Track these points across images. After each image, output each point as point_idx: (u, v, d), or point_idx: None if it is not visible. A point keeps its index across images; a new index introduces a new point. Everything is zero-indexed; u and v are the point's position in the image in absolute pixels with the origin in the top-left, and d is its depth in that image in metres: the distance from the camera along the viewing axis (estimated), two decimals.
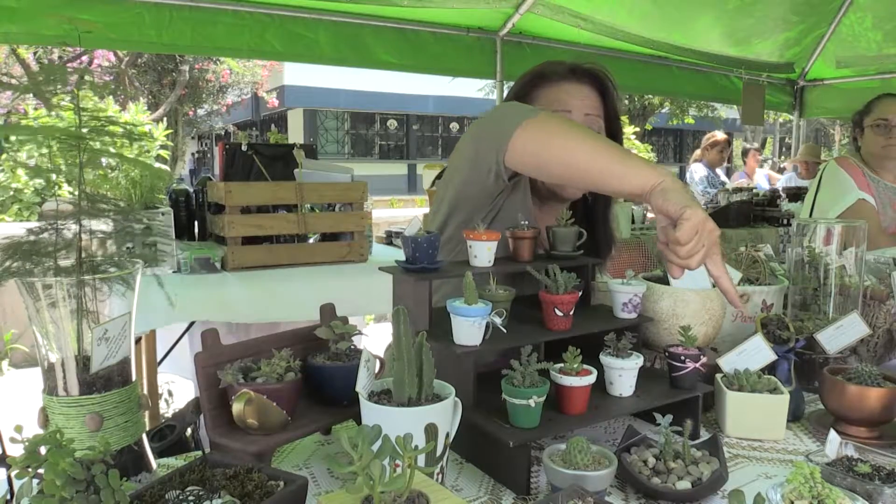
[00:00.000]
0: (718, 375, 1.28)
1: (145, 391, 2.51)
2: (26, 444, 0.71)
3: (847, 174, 2.78)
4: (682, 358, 1.18)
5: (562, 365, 1.07)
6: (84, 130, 0.84)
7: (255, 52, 4.09)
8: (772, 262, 1.63)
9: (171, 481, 0.82)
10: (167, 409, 3.47)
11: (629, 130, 9.97)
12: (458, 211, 1.46)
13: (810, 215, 2.87)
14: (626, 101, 17.47)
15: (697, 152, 6.67)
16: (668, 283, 1.34)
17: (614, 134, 1.60)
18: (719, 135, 6.53)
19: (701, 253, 1.08)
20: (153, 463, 0.94)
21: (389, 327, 0.96)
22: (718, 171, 6.54)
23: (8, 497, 0.85)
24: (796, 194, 5.08)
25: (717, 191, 5.57)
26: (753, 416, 1.21)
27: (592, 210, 1.67)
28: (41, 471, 0.70)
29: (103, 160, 0.87)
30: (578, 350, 1.08)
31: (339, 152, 23.01)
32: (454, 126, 26.39)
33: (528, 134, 1.24)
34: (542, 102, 1.53)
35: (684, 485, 0.96)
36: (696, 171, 6.43)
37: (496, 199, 1.43)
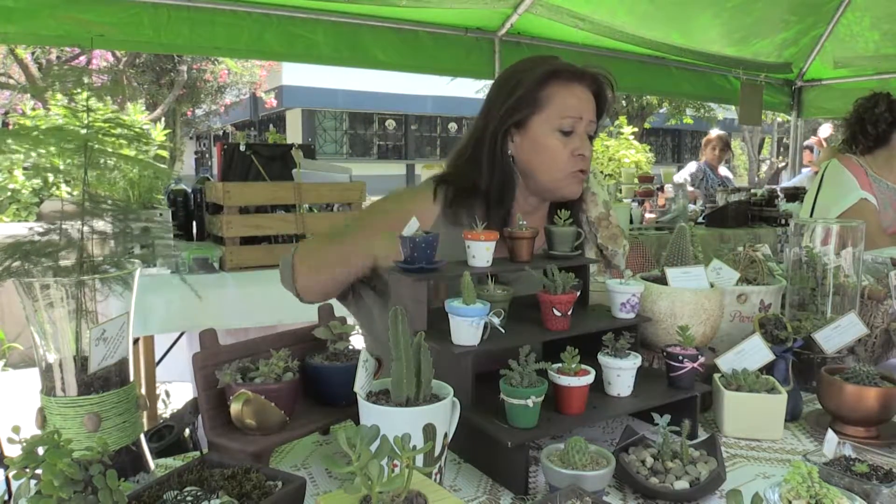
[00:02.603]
0: (716, 375, 1.28)
1: (143, 392, 2.51)
2: (24, 444, 0.71)
3: (850, 173, 2.76)
4: (680, 358, 1.18)
5: (560, 365, 1.07)
6: (90, 131, 0.84)
7: (254, 52, 4.09)
8: (770, 262, 1.63)
9: (169, 482, 0.82)
10: (165, 410, 3.47)
11: (627, 131, 9.98)
12: None
13: (811, 214, 2.85)
14: (624, 101, 17.49)
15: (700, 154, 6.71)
16: (666, 284, 1.34)
17: (592, 136, 1.57)
18: (712, 133, 6.53)
19: None
20: (151, 463, 0.94)
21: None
22: (721, 169, 6.53)
23: (6, 498, 0.85)
24: (794, 194, 5.08)
25: (715, 191, 5.57)
26: (751, 415, 1.21)
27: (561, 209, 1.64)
28: (39, 471, 0.70)
29: (104, 160, 0.87)
30: (576, 350, 1.08)
31: (337, 152, 23.00)
32: (452, 126, 26.38)
33: (303, 277, 1.49)
34: (557, 104, 1.48)
35: (682, 485, 0.96)
36: (687, 168, 6.47)
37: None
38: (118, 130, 0.88)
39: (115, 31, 3.25)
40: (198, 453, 0.89)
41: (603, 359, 1.15)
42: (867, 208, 2.66)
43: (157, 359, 2.88)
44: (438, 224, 1.49)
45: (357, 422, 0.97)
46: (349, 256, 1.45)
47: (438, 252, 1.22)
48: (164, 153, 7.50)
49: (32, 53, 10.97)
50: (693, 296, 1.31)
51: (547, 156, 1.49)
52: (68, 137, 0.82)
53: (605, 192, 3.34)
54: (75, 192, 0.84)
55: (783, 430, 1.22)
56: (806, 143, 6.80)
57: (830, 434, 1.07)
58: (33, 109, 6.78)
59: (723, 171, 6.58)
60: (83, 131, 0.84)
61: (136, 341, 2.67)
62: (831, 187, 2.80)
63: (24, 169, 5.79)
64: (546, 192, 1.56)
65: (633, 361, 1.14)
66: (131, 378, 0.91)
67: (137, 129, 0.91)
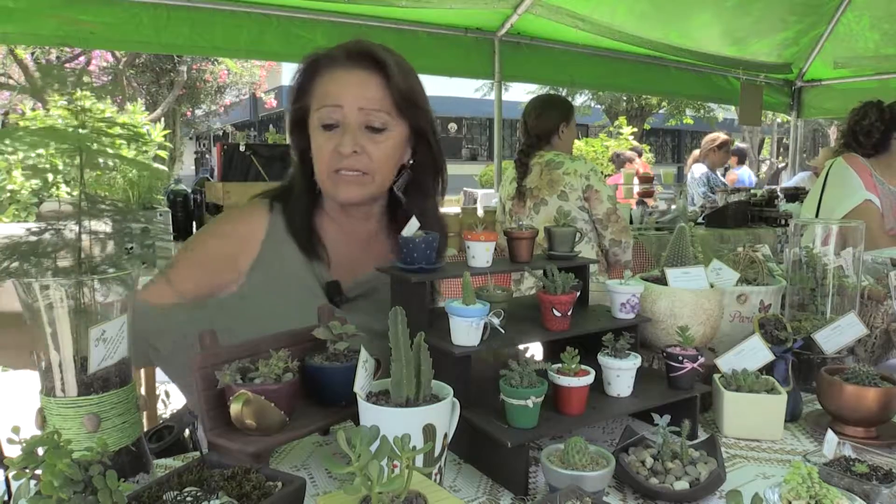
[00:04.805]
0: (716, 375, 1.28)
1: (143, 392, 2.51)
2: (24, 445, 0.71)
3: (855, 173, 2.76)
4: (680, 358, 1.18)
5: (560, 365, 1.07)
6: (85, 131, 0.84)
7: (253, 53, 4.10)
8: (770, 263, 1.63)
9: (168, 482, 0.82)
10: (165, 410, 3.46)
11: (627, 131, 9.99)
12: None
13: (817, 214, 2.85)
14: (624, 101, 17.50)
15: (696, 153, 6.64)
16: (665, 284, 1.34)
17: (422, 130, 1.37)
18: (723, 135, 6.50)
19: None
20: (151, 464, 0.94)
21: None
22: (719, 171, 6.52)
23: (6, 498, 0.84)
24: (794, 195, 5.09)
25: (715, 196, 5.57)
26: (751, 416, 1.21)
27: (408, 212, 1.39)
28: (39, 472, 0.70)
29: (101, 160, 0.87)
30: (576, 350, 1.08)
31: None
32: (452, 126, 26.38)
33: None
34: (318, 97, 1.32)
35: (682, 485, 0.96)
36: (697, 171, 6.40)
37: None
38: (116, 130, 0.88)
39: (115, 31, 3.26)
40: (197, 454, 0.89)
41: (603, 359, 1.15)
42: (871, 209, 2.66)
43: None
44: (269, 239, 1.37)
45: (357, 422, 0.97)
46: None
47: (271, 276, 1.22)
48: (164, 154, 7.50)
49: (32, 54, 10.98)
50: (693, 296, 1.31)
51: (316, 155, 1.33)
52: (63, 138, 0.82)
53: (607, 188, 3.35)
54: (75, 193, 0.84)
55: (783, 430, 1.22)
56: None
57: (830, 434, 1.07)
58: (33, 110, 6.78)
59: (739, 171, 6.57)
60: (79, 131, 0.84)
61: None
62: (836, 188, 2.80)
63: (24, 169, 5.79)
64: (330, 197, 1.38)
65: (633, 362, 1.14)
66: (131, 378, 0.91)
67: (134, 129, 0.91)
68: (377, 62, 1.30)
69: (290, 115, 1.40)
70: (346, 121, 1.29)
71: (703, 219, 4.84)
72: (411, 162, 1.41)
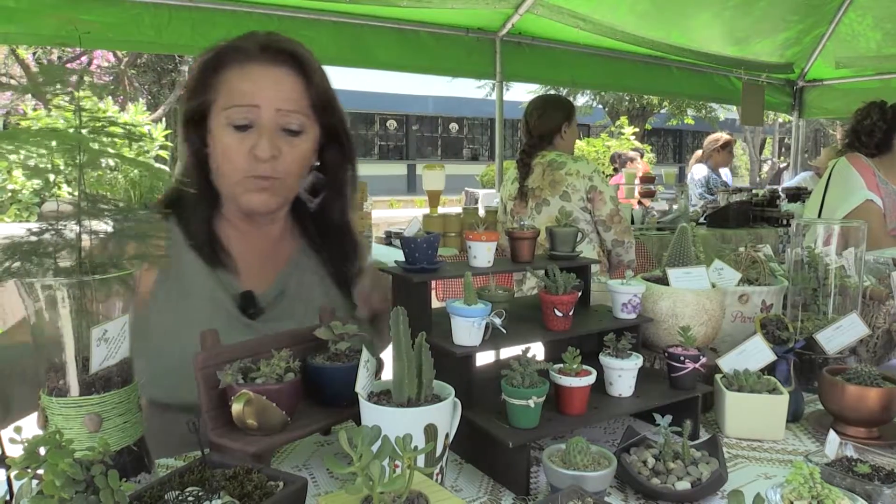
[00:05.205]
0: (718, 376, 1.28)
1: None
2: (26, 444, 0.71)
3: (857, 173, 2.77)
4: (682, 358, 1.18)
5: (561, 365, 1.07)
6: (84, 131, 0.84)
7: None
8: (771, 263, 1.63)
9: (170, 482, 0.82)
10: None
11: (628, 131, 9.99)
12: None
13: (820, 214, 2.86)
14: (626, 101, 17.49)
15: (699, 153, 6.62)
16: (667, 284, 1.34)
17: (334, 130, 1.31)
18: (726, 135, 6.47)
19: None
20: (153, 463, 0.94)
21: None
22: (722, 171, 6.50)
23: (7, 498, 0.85)
24: (796, 195, 5.09)
25: (714, 197, 5.55)
26: (753, 416, 1.21)
27: (322, 218, 1.38)
28: (40, 471, 0.70)
29: (103, 160, 0.87)
30: (578, 350, 1.08)
31: None
32: (454, 126, 26.40)
33: None
34: (225, 93, 1.20)
35: (684, 485, 0.96)
36: (697, 172, 6.38)
37: None
38: (117, 130, 0.88)
39: (117, 31, 3.26)
40: (199, 453, 0.89)
41: (604, 359, 1.15)
42: (872, 209, 2.67)
43: None
44: (170, 252, 1.20)
45: (358, 422, 0.97)
46: None
47: (177, 291, 1.15)
48: (165, 153, 7.52)
49: (34, 54, 10.99)
50: (694, 296, 1.31)
51: (223, 157, 1.21)
52: (64, 138, 0.82)
53: (610, 189, 3.37)
54: (76, 193, 0.84)
55: (785, 430, 1.22)
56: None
57: (832, 435, 1.07)
58: (34, 110, 6.79)
59: (723, 172, 6.55)
60: (80, 132, 0.85)
61: None
62: (838, 187, 2.82)
63: (24, 169, 5.80)
64: (233, 203, 1.27)
65: (635, 362, 1.14)
66: (133, 378, 0.91)
67: (133, 127, 0.91)
68: (295, 60, 1.21)
69: (185, 111, 1.26)
70: (262, 122, 1.19)
71: (705, 219, 4.83)
72: (318, 164, 1.33)
